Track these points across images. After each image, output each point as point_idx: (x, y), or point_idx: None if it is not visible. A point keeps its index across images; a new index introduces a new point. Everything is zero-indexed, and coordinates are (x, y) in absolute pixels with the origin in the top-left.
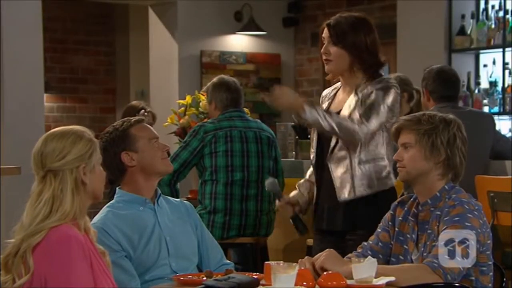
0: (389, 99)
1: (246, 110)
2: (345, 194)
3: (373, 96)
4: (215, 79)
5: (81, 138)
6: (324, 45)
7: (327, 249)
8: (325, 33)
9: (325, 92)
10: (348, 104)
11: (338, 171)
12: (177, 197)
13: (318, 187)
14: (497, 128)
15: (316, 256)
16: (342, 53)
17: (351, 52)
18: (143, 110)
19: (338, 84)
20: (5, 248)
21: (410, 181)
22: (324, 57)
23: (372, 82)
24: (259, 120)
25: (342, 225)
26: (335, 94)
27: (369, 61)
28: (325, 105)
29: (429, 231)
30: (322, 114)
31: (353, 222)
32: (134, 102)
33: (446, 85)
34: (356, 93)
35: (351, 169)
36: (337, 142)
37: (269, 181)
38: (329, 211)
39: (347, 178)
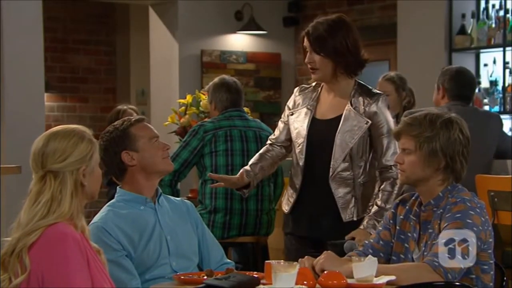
0: (390, 116)
1: (246, 109)
2: (349, 215)
3: (384, 124)
4: (216, 79)
5: (82, 139)
6: (308, 55)
7: (325, 252)
8: (306, 43)
9: (299, 95)
10: (351, 123)
11: (340, 191)
12: (178, 197)
13: (299, 193)
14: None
15: (315, 260)
16: (325, 61)
17: (334, 59)
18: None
19: (316, 85)
20: (2, 247)
21: (411, 185)
22: (309, 66)
23: (363, 90)
24: (258, 120)
25: (327, 233)
26: (318, 97)
27: (353, 62)
28: (304, 109)
29: (430, 231)
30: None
31: (341, 231)
32: (117, 107)
33: (464, 85)
34: (351, 103)
35: (354, 191)
36: (342, 162)
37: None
38: (312, 219)
39: (350, 198)
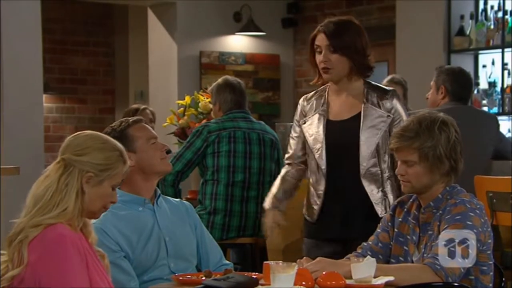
0: (404, 110)
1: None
2: (383, 209)
3: (401, 119)
4: (220, 80)
5: (109, 151)
6: (323, 53)
7: (318, 258)
8: (321, 41)
9: (307, 104)
10: (373, 119)
11: (371, 187)
12: (180, 197)
13: (325, 198)
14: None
15: (308, 266)
16: (342, 60)
17: (351, 57)
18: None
19: (321, 90)
20: (3, 246)
21: (415, 193)
22: (323, 66)
23: (374, 87)
24: (263, 122)
25: (361, 231)
26: (326, 100)
27: (364, 64)
28: (316, 115)
29: (430, 232)
30: None
31: (374, 228)
32: (133, 105)
33: (465, 86)
34: (367, 100)
35: (383, 186)
36: (371, 158)
37: None
38: (345, 220)
39: (381, 193)
